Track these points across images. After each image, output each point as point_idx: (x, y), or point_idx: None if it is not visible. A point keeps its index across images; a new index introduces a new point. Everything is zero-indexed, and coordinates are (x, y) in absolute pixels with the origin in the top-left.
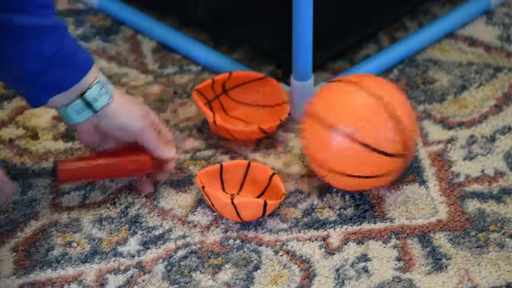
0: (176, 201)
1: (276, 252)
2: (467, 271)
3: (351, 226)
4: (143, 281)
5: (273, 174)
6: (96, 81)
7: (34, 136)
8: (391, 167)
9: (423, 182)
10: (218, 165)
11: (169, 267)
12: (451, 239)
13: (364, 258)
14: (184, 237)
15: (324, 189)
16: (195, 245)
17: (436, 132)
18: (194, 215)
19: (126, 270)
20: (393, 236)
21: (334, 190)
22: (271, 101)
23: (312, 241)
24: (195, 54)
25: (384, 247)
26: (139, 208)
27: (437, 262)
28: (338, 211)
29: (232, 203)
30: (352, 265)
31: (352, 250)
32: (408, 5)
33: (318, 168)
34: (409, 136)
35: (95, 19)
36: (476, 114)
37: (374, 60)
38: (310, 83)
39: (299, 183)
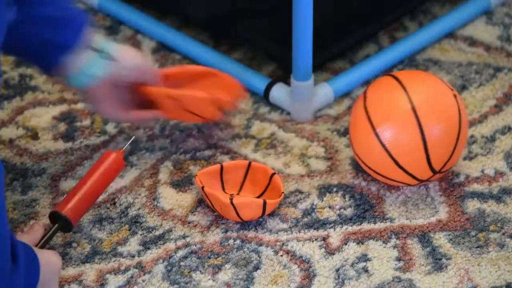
0: (176, 201)
1: (276, 252)
2: (467, 271)
3: (351, 226)
4: (143, 281)
5: (273, 174)
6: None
7: (34, 136)
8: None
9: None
10: (218, 165)
11: (169, 267)
12: (451, 239)
13: (364, 258)
14: (184, 237)
15: (324, 189)
16: (195, 245)
17: None
18: (194, 215)
19: (126, 270)
20: (393, 236)
21: (334, 190)
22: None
23: (312, 241)
24: (195, 54)
25: (384, 247)
26: (139, 208)
27: (437, 262)
28: (338, 211)
29: (232, 203)
30: (352, 265)
31: (352, 250)
32: (408, 5)
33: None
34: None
35: (95, 19)
36: (476, 114)
37: (374, 60)
38: (310, 83)
39: (299, 183)
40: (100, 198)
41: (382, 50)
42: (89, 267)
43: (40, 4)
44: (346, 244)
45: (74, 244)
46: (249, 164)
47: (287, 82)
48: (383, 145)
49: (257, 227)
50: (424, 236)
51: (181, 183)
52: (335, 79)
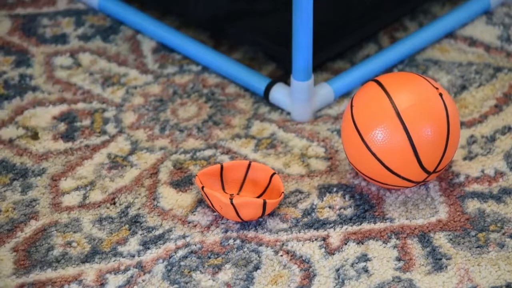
0: (176, 201)
1: (276, 252)
2: (467, 271)
3: (351, 226)
4: (143, 281)
5: (273, 174)
6: None
7: (34, 136)
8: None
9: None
10: (218, 165)
11: (169, 267)
12: (451, 239)
13: (364, 258)
14: (184, 237)
15: (324, 189)
16: (195, 245)
17: None
18: (194, 215)
19: (126, 270)
20: (393, 236)
21: (334, 190)
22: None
23: (312, 241)
24: (195, 54)
25: (384, 247)
26: (139, 208)
27: (437, 262)
28: (338, 211)
29: (232, 203)
30: (352, 265)
31: (352, 250)
32: (408, 5)
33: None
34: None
35: (95, 19)
36: (476, 114)
37: (374, 60)
38: (310, 83)
39: (299, 183)
40: (100, 198)
41: (382, 50)
42: (89, 266)
43: None
44: (346, 244)
45: (74, 244)
46: (249, 164)
47: (287, 82)
48: (373, 153)
49: (257, 227)
50: (424, 236)
51: (181, 183)
52: (335, 79)
